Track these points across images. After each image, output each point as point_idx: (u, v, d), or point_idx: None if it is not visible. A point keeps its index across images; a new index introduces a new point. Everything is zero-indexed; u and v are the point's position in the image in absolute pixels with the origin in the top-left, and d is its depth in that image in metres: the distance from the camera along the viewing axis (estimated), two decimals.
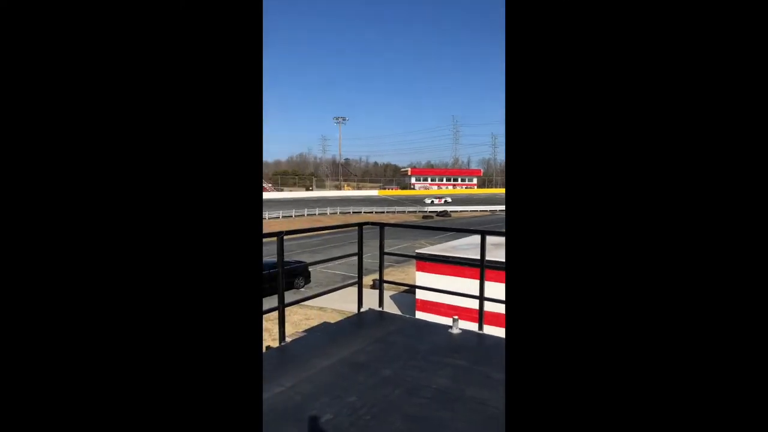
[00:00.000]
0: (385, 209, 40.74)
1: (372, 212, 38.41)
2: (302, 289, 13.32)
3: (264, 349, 3.83)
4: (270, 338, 9.01)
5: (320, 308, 11.16)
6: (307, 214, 35.47)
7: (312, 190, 62.67)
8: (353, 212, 38.27)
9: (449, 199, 50.09)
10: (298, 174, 72.43)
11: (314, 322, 8.22)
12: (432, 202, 47.64)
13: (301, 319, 10.14)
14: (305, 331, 3.85)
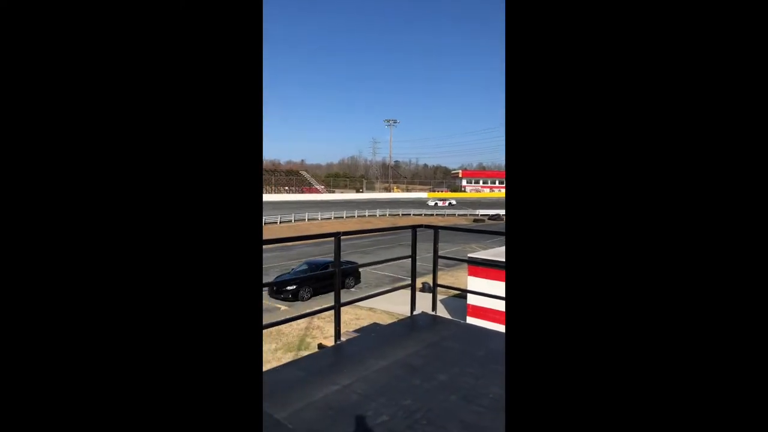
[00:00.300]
0: (435, 212, 40.42)
1: (421, 215, 38.27)
2: (352, 289, 13.54)
3: (317, 348, 3.91)
4: (322, 336, 9.24)
5: (370, 308, 11.27)
6: (357, 216, 36.04)
7: (362, 192, 63.62)
8: (402, 214, 38.35)
9: (453, 201, 48.51)
10: (349, 176, 73.88)
11: (364, 322, 8.31)
12: (436, 204, 46.29)
13: (351, 318, 10.31)
14: (357, 330, 3.90)
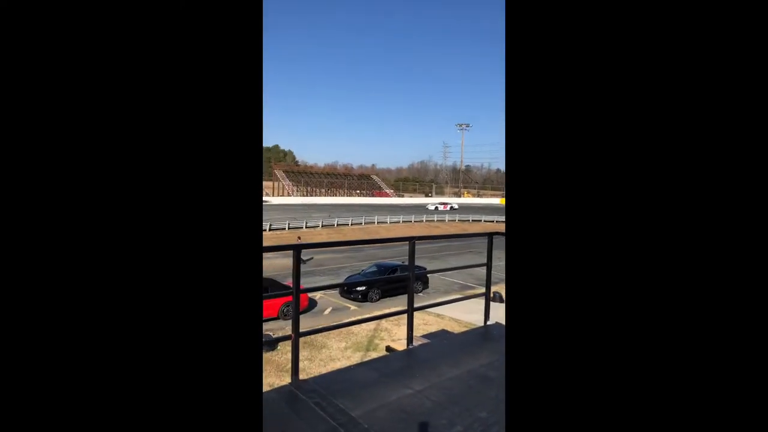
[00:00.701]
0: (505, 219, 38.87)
1: (492, 221, 37.06)
2: (420, 294, 13.50)
3: (385, 350, 3.95)
4: (389, 338, 9.33)
5: (438, 315, 11.14)
6: (426, 220, 35.90)
7: (431, 196, 63.32)
8: (472, 220, 37.47)
9: (456, 206, 45.32)
10: (419, 180, 73.99)
11: (432, 328, 8.23)
12: (436, 208, 43.57)
13: (419, 323, 10.25)
14: (426, 336, 3.87)
